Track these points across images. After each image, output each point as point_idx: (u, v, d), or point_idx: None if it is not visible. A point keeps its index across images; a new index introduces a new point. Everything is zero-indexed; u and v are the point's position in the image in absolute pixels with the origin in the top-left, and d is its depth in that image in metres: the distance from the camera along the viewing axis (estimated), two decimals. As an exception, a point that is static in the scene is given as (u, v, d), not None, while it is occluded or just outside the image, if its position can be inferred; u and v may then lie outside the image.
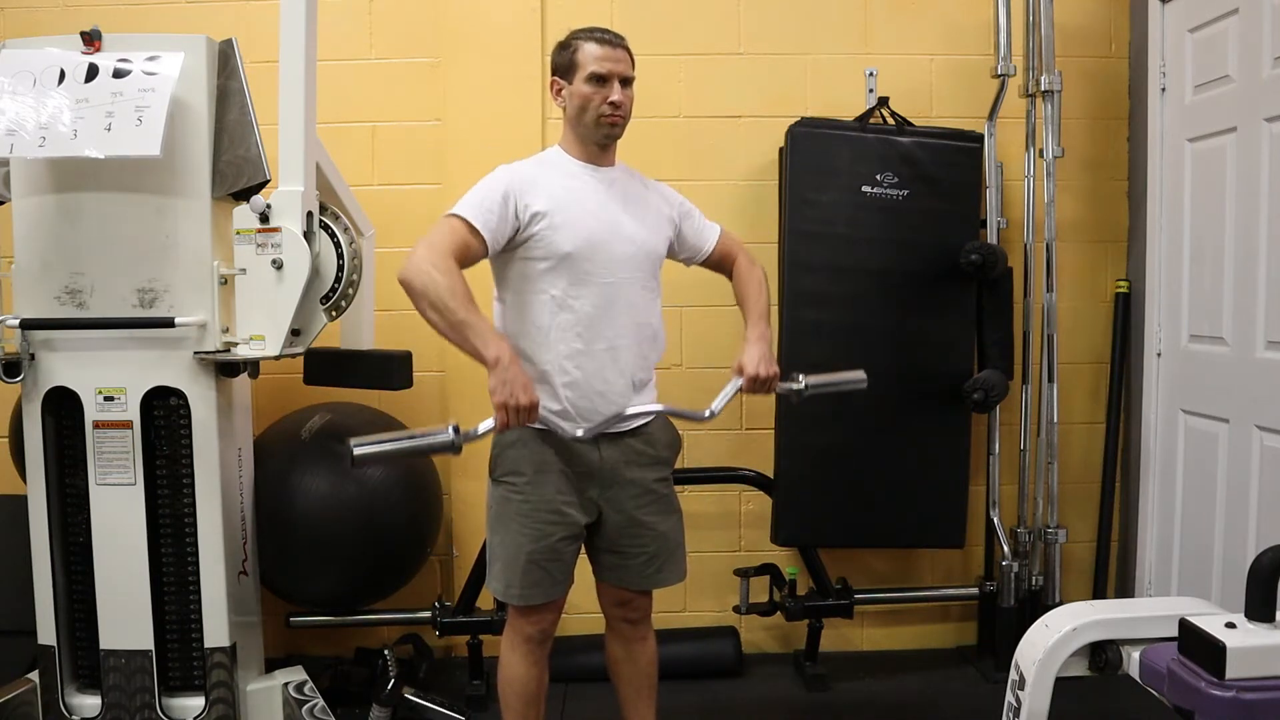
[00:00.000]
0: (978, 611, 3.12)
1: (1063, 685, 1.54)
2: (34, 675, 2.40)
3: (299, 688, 2.45)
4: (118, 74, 2.18)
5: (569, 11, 2.81)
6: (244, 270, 2.26)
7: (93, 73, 2.18)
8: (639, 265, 1.98)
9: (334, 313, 2.37)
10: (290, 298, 2.24)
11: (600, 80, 1.92)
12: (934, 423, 2.91)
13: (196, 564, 2.34)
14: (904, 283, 2.86)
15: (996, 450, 3.01)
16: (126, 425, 2.28)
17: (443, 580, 3.08)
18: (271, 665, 2.60)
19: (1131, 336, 3.04)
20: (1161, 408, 2.93)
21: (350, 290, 2.37)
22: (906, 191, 2.85)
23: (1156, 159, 2.92)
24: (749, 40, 3.04)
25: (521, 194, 1.89)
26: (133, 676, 2.32)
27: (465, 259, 1.84)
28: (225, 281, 2.29)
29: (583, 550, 2.05)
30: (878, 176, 2.84)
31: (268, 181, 2.29)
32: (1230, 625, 1.28)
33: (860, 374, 2.05)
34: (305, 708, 2.41)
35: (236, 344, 2.30)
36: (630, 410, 1.89)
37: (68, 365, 2.29)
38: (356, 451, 1.62)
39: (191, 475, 2.33)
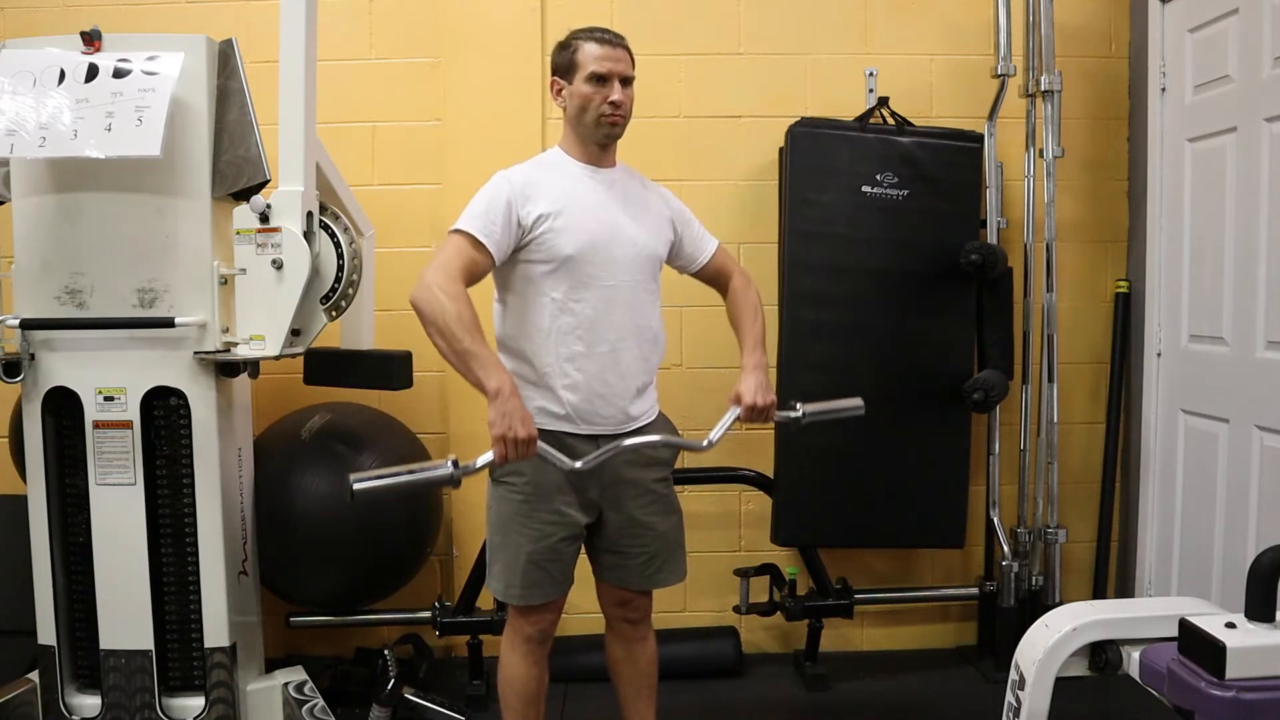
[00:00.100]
0: (978, 611, 3.12)
1: (1063, 685, 1.54)
2: (34, 675, 2.40)
3: (299, 688, 2.45)
4: (118, 74, 2.18)
5: (569, 11, 2.81)
6: (244, 270, 2.26)
7: (93, 73, 2.18)
8: (640, 268, 1.98)
9: (334, 313, 2.37)
10: (290, 298, 2.24)
11: (600, 80, 1.91)
12: (934, 423, 2.91)
13: (196, 564, 2.34)
14: (904, 283, 2.86)
15: (996, 450, 3.01)
16: (126, 425, 2.28)
17: (443, 580, 3.08)
18: (271, 665, 2.60)
19: (1131, 336, 3.04)
20: (1161, 408, 2.93)
21: (350, 290, 2.37)
22: (906, 191, 2.85)
23: (1156, 159, 2.92)
24: (749, 40, 3.04)
25: (523, 200, 1.89)
26: (133, 676, 2.32)
27: (474, 276, 1.86)
28: (225, 281, 2.29)
29: (583, 550, 2.05)
30: (878, 176, 2.84)
31: (268, 181, 2.29)
32: (1230, 625, 1.28)
33: (858, 401, 2.06)
34: (305, 708, 2.41)
35: (236, 344, 2.30)
36: (628, 443, 1.88)
37: (68, 365, 2.29)
38: (356, 487, 1.62)
39: (191, 475, 2.33)
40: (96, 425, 2.28)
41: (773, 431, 2.90)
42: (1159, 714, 1.66)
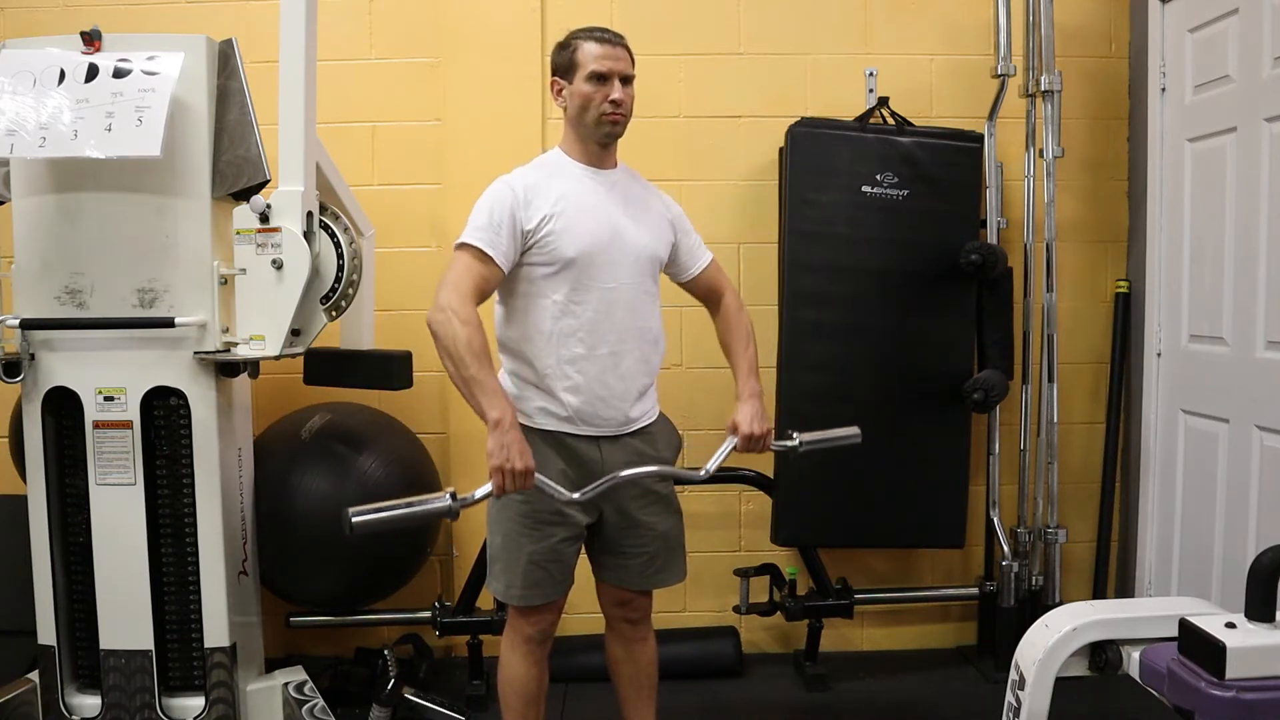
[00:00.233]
0: (978, 611, 3.12)
1: (1063, 685, 1.54)
2: (34, 675, 2.40)
3: (299, 688, 2.45)
4: (118, 74, 2.18)
5: (569, 11, 2.81)
6: (244, 270, 2.26)
7: (93, 73, 2.18)
8: (640, 270, 1.98)
9: (334, 313, 2.37)
10: (290, 298, 2.24)
11: (601, 79, 1.91)
12: (934, 423, 2.91)
13: (196, 564, 2.34)
14: (904, 283, 2.86)
15: (996, 450, 3.01)
16: (126, 425, 2.28)
17: (443, 580, 3.08)
18: (271, 665, 2.60)
19: (1131, 336, 3.04)
20: (1161, 408, 2.93)
21: (350, 290, 2.37)
22: (906, 191, 2.85)
23: (1156, 159, 2.92)
24: (749, 40, 3.04)
25: (526, 206, 1.88)
26: (133, 676, 2.32)
27: (485, 293, 1.87)
28: (225, 281, 2.29)
29: (583, 550, 2.05)
30: (878, 176, 2.84)
31: (268, 181, 2.29)
32: (1230, 625, 1.28)
33: (854, 430, 2.08)
34: (305, 708, 2.41)
35: (236, 344, 2.30)
36: (625, 474, 1.87)
37: (68, 365, 2.29)
38: (355, 520, 1.63)
39: (191, 475, 2.33)
40: (96, 425, 2.28)
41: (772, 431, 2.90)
42: (1159, 714, 1.66)
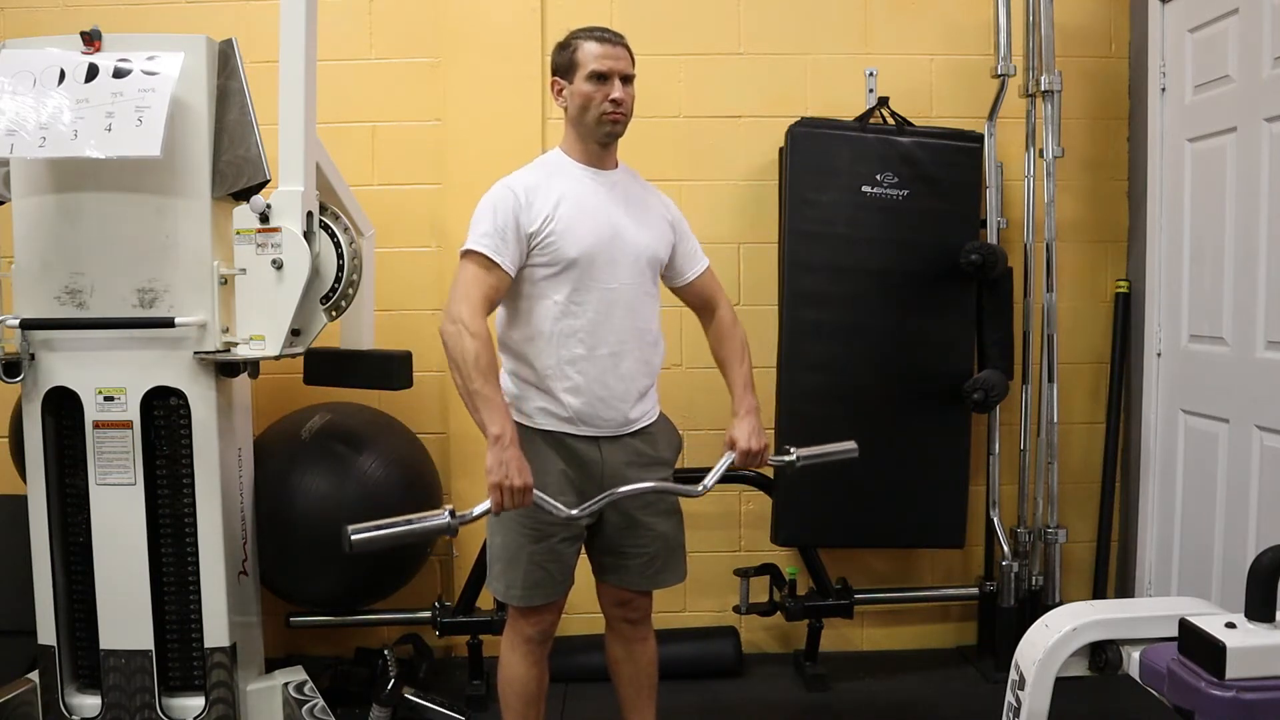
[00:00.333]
0: (978, 611, 3.12)
1: (1063, 685, 1.54)
2: (34, 675, 2.40)
3: (299, 688, 2.45)
4: (118, 74, 2.18)
5: (569, 11, 2.81)
6: (244, 270, 2.26)
7: (93, 73, 2.18)
8: (641, 270, 1.98)
9: (334, 313, 2.37)
10: (290, 298, 2.24)
11: (601, 78, 1.91)
12: (934, 423, 2.91)
13: (196, 564, 2.34)
14: (904, 283, 2.86)
15: (996, 450, 3.01)
16: (126, 425, 2.28)
17: (443, 580, 3.08)
18: (271, 665, 2.60)
19: (1131, 336, 3.04)
20: (1161, 408, 2.93)
21: (350, 290, 2.37)
22: (906, 191, 2.85)
23: (1156, 159, 2.92)
24: (749, 40, 3.04)
25: (528, 209, 1.88)
26: (133, 676, 2.32)
27: (494, 302, 1.88)
28: (225, 281, 2.29)
29: (583, 550, 2.05)
30: (878, 176, 2.84)
31: (268, 181, 2.29)
32: (1230, 625, 1.27)
33: (851, 445, 2.09)
34: (305, 708, 2.41)
35: (236, 344, 2.30)
36: (623, 490, 1.89)
37: (68, 365, 2.29)
38: (355, 538, 1.66)
39: (191, 475, 2.33)
40: (96, 425, 2.28)
41: (773, 432, 2.90)
42: (1159, 714, 1.66)
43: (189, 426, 2.31)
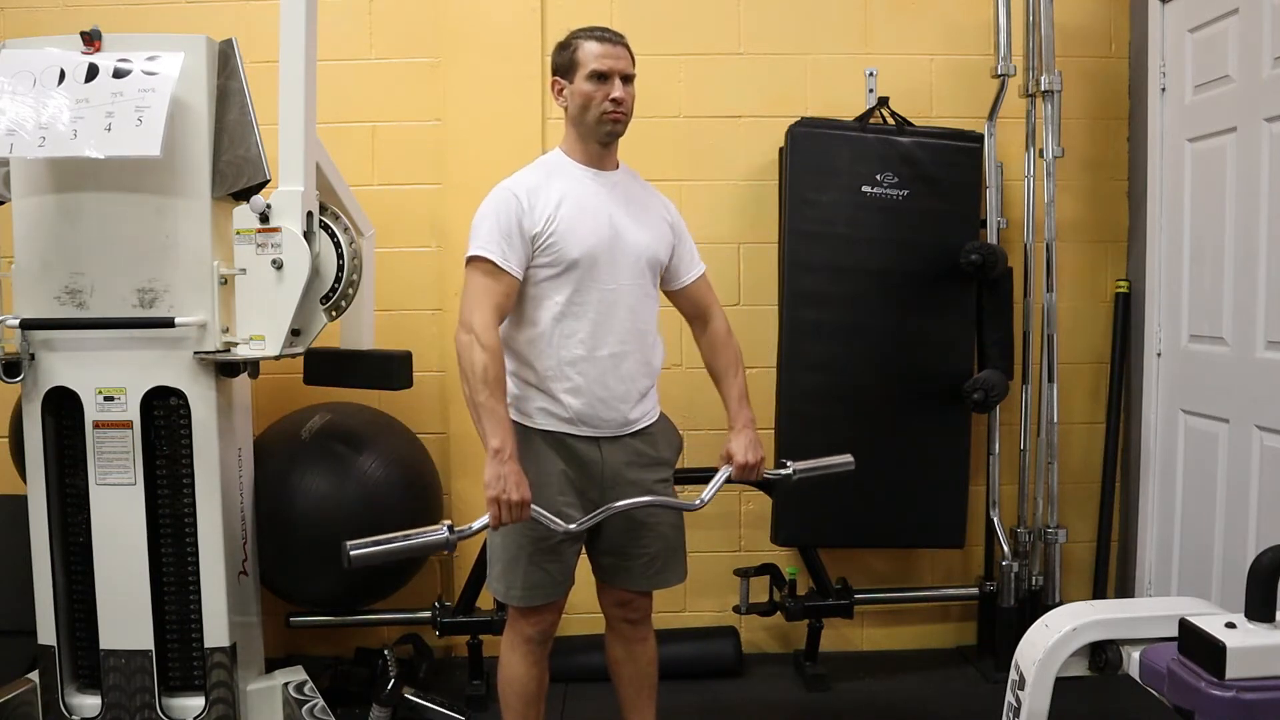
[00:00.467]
0: (978, 611, 3.12)
1: (1063, 685, 1.54)
2: (34, 675, 2.40)
3: (299, 688, 2.45)
4: (118, 74, 2.18)
5: (569, 11, 2.81)
6: (244, 270, 2.26)
7: (93, 73, 2.18)
8: (641, 271, 1.98)
9: (334, 313, 2.37)
10: (290, 298, 2.24)
11: (601, 78, 1.91)
12: (934, 423, 2.91)
13: (196, 564, 2.34)
14: (904, 283, 2.86)
15: (996, 450, 3.01)
16: (126, 425, 2.28)
17: (443, 580, 3.08)
18: (271, 665, 2.60)
19: (1131, 336, 3.04)
20: (1161, 408, 2.93)
21: (350, 290, 2.37)
22: (906, 191, 2.85)
23: (1156, 159, 2.92)
24: (749, 40, 3.04)
25: (530, 211, 1.88)
26: (133, 676, 2.32)
27: (507, 308, 1.88)
28: (225, 281, 2.29)
29: (583, 550, 2.05)
30: (878, 176, 2.84)
31: (268, 181, 2.29)
32: (1230, 625, 1.28)
33: (848, 458, 2.11)
34: (305, 708, 2.41)
35: (236, 344, 2.30)
36: (620, 504, 1.90)
37: (68, 365, 2.29)
38: (353, 554, 1.68)
39: (191, 475, 2.32)
40: (96, 425, 2.28)
41: (773, 432, 2.90)
42: (1159, 714, 1.66)
43: (189, 426, 2.31)
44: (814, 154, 2.85)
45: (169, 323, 2.24)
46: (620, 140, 2.00)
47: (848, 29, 3.04)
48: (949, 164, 2.88)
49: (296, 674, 2.49)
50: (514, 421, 1.89)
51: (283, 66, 2.26)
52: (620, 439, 1.98)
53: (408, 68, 3.02)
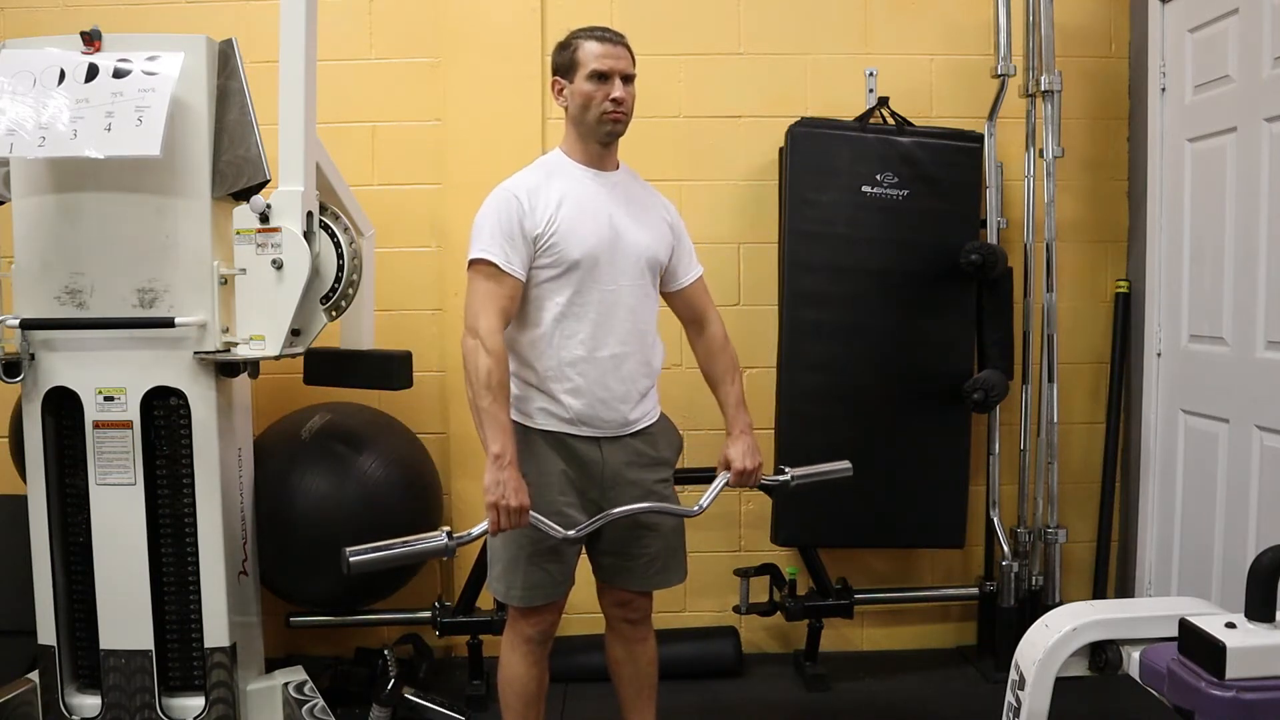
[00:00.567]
0: (978, 611, 3.12)
1: (1063, 685, 1.54)
2: (34, 675, 2.40)
3: (299, 688, 2.45)
4: (118, 74, 2.18)
5: (569, 11, 2.81)
6: (244, 270, 2.26)
7: (93, 73, 2.18)
8: (641, 272, 1.98)
9: (334, 313, 2.37)
10: (290, 298, 2.24)
11: (602, 77, 1.91)
12: (934, 423, 2.91)
13: (196, 564, 2.34)
14: (904, 283, 2.86)
15: (996, 450, 3.01)
16: (126, 425, 2.28)
17: (443, 580, 3.08)
18: (271, 665, 2.60)
19: (1131, 336, 3.04)
20: (1161, 408, 2.93)
21: (350, 290, 2.37)
22: (906, 191, 2.85)
23: (1156, 159, 2.92)
24: (749, 40, 3.04)
25: (531, 212, 1.88)
26: (133, 676, 2.32)
27: (511, 311, 1.89)
28: (225, 281, 2.29)
29: (583, 551, 2.05)
30: (878, 176, 2.84)
31: (268, 181, 2.29)
32: (1230, 625, 1.28)
33: (846, 465, 2.12)
34: (305, 708, 2.41)
35: (236, 344, 2.30)
36: (618, 511, 1.91)
37: (68, 365, 2.29)
38: (353, 560, 1.68)
39: (191, 475, 2.32)
40: (96, 425, 2.28)
41: (773, 432, 2.90)
42: (1159, 714, 1.66)
43: (189, 426, 2.31)
44: (814, 154, 2.85)
45: (169, 323, 2.24)
46: (620, 140, 2.00)
47: (848, 29, 3.04)
48: (949, 164, 2.88)
49: (296, 674, 2.49)
50: (515, 421, 1.89)
51: (283, 66, 2.26)
52: (620, 439, 1.98)
53: (408, 68, 3.02)
